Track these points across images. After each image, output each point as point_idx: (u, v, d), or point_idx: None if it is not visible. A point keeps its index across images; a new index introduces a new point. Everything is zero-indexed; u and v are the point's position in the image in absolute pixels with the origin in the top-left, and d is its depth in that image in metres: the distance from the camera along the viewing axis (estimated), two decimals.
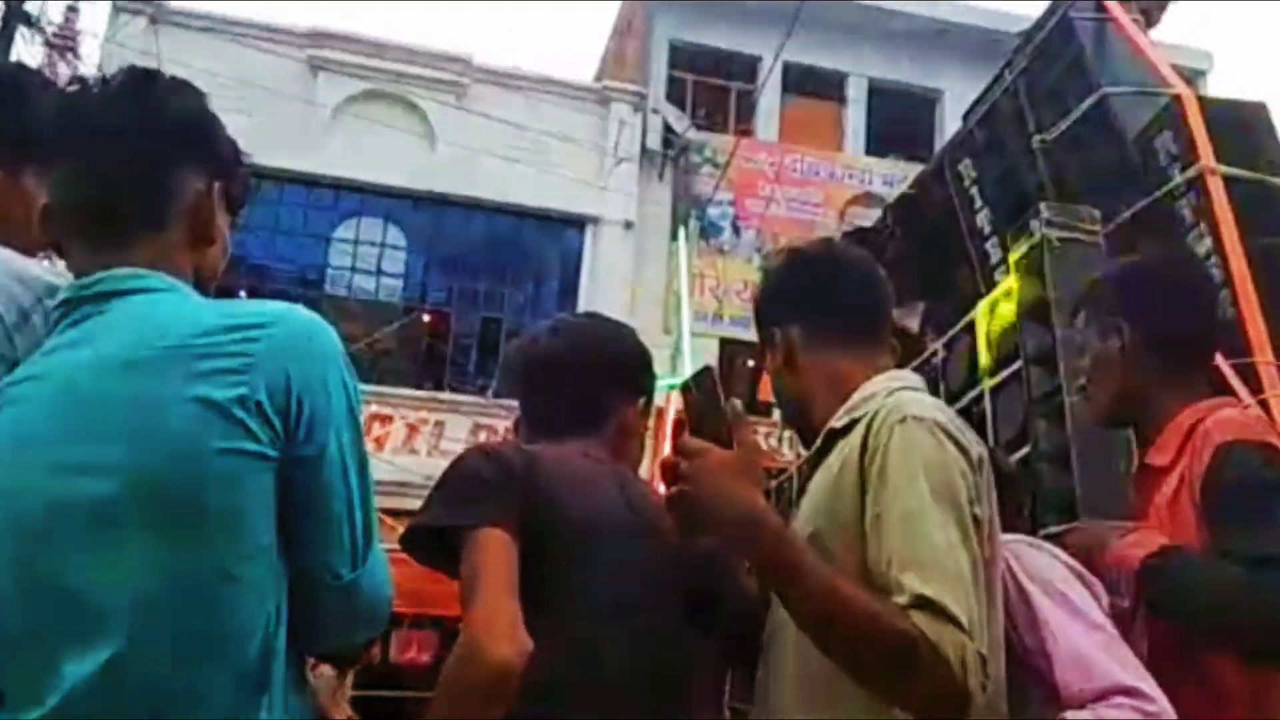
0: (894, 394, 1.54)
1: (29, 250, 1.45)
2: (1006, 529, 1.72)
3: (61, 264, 1.45)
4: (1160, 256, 2.53)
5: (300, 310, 1.26)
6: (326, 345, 1.25)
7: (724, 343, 14.06)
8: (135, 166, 1.28)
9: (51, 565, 1.13)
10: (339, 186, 13.75)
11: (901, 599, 1.34)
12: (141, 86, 1.33)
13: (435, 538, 1.54)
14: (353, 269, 13.92)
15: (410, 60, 14.05)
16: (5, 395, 1.22)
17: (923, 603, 1.32)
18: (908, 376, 1.67)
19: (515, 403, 1.96)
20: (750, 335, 12.36)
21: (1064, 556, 1.85)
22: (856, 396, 1.59)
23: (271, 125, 12.24)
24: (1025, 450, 3.21)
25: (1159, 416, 1.88)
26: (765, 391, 10.75)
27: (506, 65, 14.64)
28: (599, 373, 1.82)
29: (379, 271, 14.00)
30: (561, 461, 1.64)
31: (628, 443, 1.85)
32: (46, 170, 1.40)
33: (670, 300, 13.91)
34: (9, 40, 10.53)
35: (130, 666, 1.11)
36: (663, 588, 1.63)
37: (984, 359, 3.62)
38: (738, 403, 1.54)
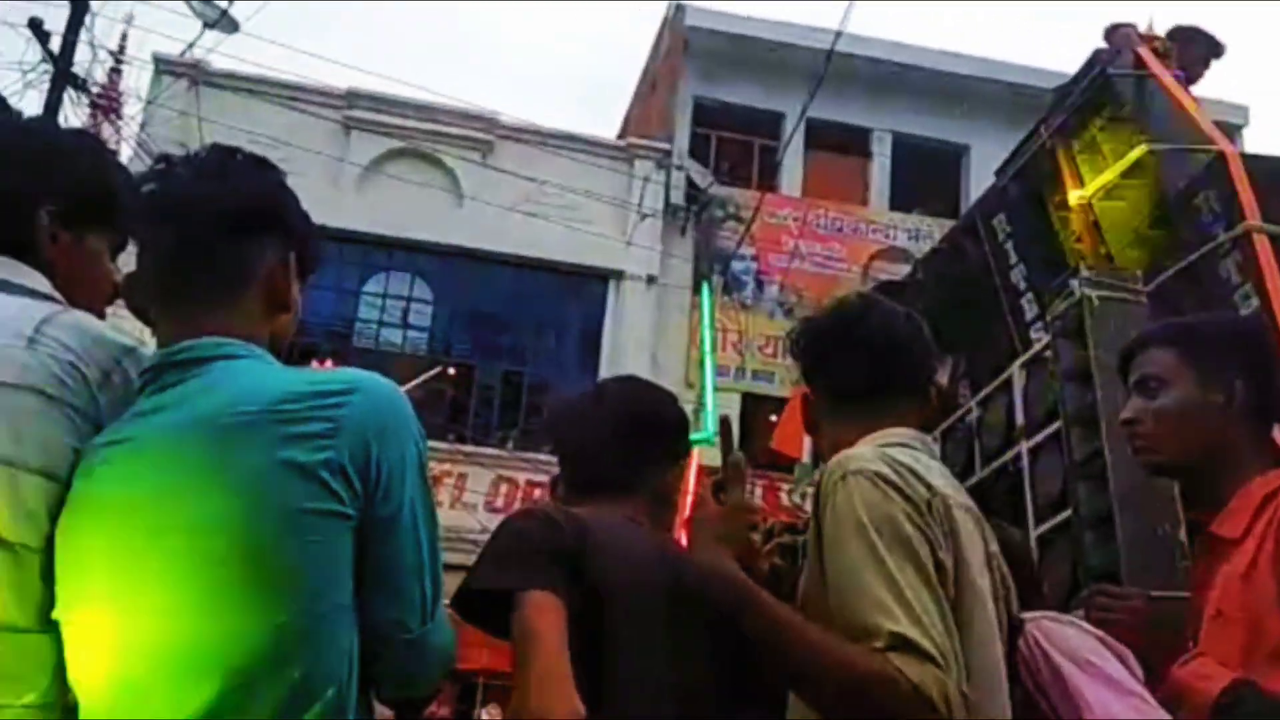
0: (843, 452, 1.59)
1: (96, 310, 1.50)
2: (1025, 607, 1.74)
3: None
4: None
5: (378, 378, 1.33)
6: (403, 412, 1.32)
7: (746, 397, 14.02)
8: (217, 241, 1.36)
9: (147, 621, 1.20)
10: (369, 242, 13.96)
11: (877, 643, 1.37)
12: (223, 165, 1.42)
13: (483, 599, 1.57)
14: (380, 322, 14.14)
15: (439, 119, 14.35)
16: (97, 456, 1.28)
17: (898, 643, 1.36)
18: (894, 433, 1.67)
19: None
20: (772, 390, 12.37)
21: (1090, 628, 1.83)
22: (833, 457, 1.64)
23: (306, 183, 12.35)
24: (1066, 514, 3.14)
25: (1230, 481, 1.81)
26: (782, 443, 10.67)
27: (532, 123, 14.89)
28: (641, 438, 1.86)
29: (405, 325, 14.20)
30: (608, 527, 1.66)
31: (666, 506, 1.90)
32: (119, 237, 1.49)
33: (692, 354, 13.91)
34: (57, 101, 10.81)
35: (223, 714, 1.17)
36: (704, 654, 1.64)
37: (1021, 418, 3.55)
38: (737, 457, 1.67)
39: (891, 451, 1.59)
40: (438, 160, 14.22)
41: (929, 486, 1.54)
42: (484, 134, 14.35)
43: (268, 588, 1.19)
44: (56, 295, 1.44)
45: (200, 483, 1.21)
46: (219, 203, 1.37)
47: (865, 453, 1.57)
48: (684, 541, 1.69)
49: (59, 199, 1.47)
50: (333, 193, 13.36)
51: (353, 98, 14.16)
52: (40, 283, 1.44)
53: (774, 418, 12.37)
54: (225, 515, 1.20)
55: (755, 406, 13.83)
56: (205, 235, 1.36)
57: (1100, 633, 1.80)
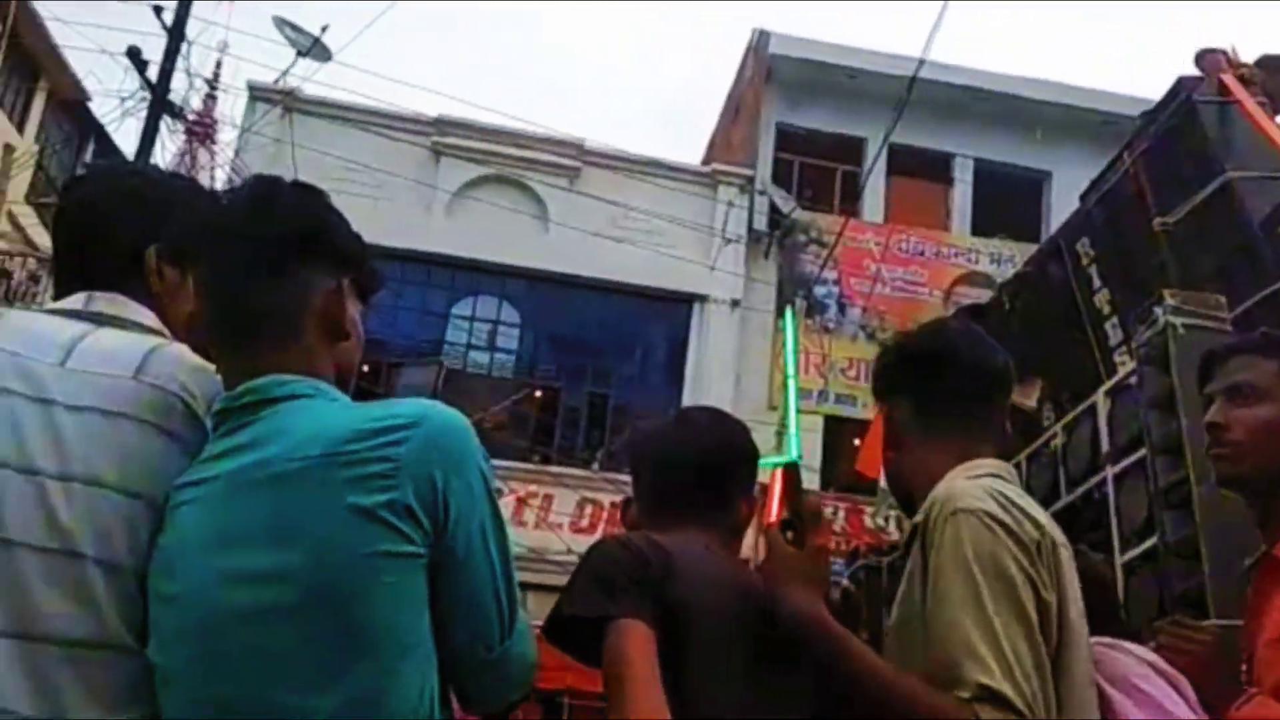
0: (951, 485, 1.58)
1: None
2: (1103, 631, 1.72)
3: None
4: None
5: (437, 408, 1.31)
6: (464, 441, 1.29)
7: (829, 420, 13.98)
8: (264, 276, 1.34)
9: (223, 666, 1.21)
10: (457, 266, 14.20)
11: (964, 692, 1.38)
12: (264, 197, 1.39)
13: (572, 624, 1.60)
14: (468, 345, 14.27)
15: (526, 145, 14.55)
16: (179, 496, 1.30)
17: (985, 694, 1.36)
18: (986, 464, 1.67)
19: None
20: (855, 413, 12.30)
21: (1142, 653, 1.80)
22: (939, 487, 1.62)
23: (396, 208, 12.79)
24: (1152, 541, 3.14)
25: None
26: (866, 465, 10.65)
27: (618, 149, 15.06)
28: (722, 467, 1.88)
29: (492, 347, 14.34)
30: (690, 557, 1.68)
31: (739, 535, 1.91)
32: None
33: (775, 377, 13.90)
34: (154, 128, 11.25)
35: None
36: (778, 683, 1.65)
37: (1106, 445, 3.55)
38: (814, 501, 1.68)
39: (999, 486, 1.58)
40: (525, 186, 14.43)
41: (1038, 526, 1.53)
42: (571, 160, 14.54)
43: (341, 634, 1.19)
44: (163, 329, 1.49)
45: (267, 532, 1.22)
46: (263, 234, 1.34)
47: (973, 488, 1.56)
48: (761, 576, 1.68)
49: (164, 238, 1.51)
50: (422, 217, 13.67)
51: (441, 124, 14.43)
52: (147, 317, 1.49)
53: (856, 441, 12.32)
54: (294, 564, 1.19)
55: (838, 429, 13.78)
56: (252, 268, 1.33)
57: (1153, 657, 1.77)
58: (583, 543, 11.09)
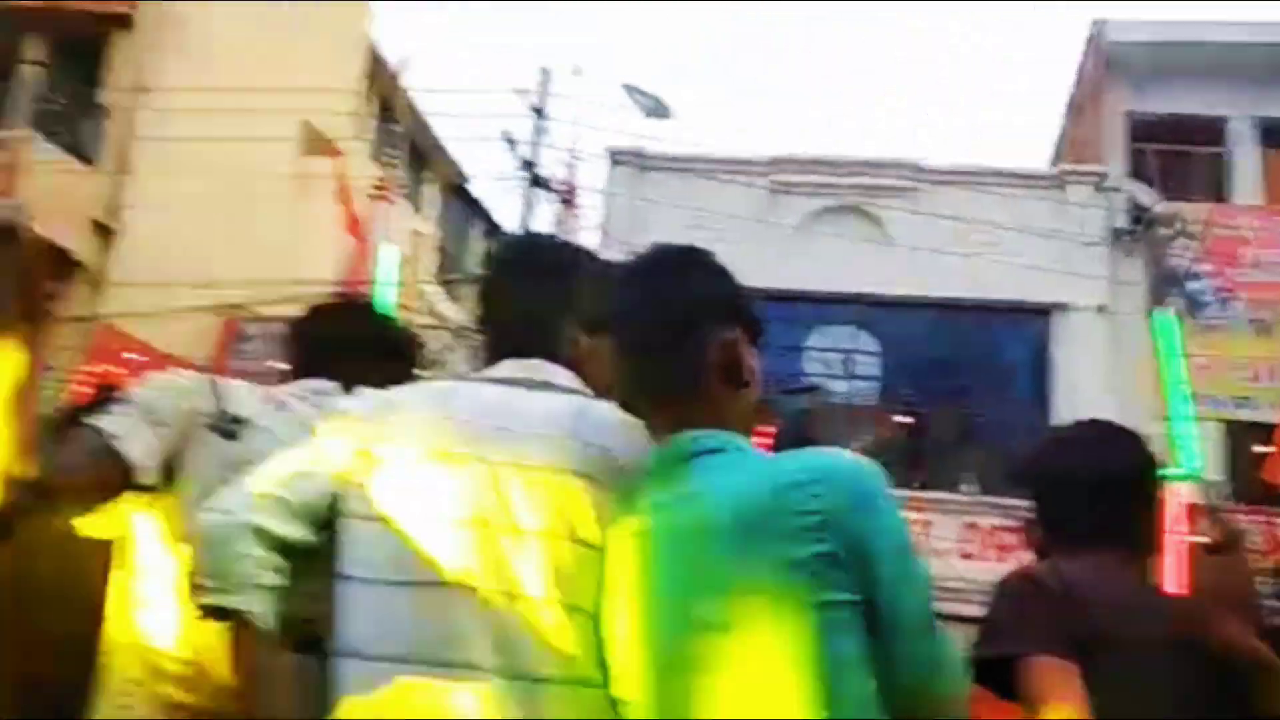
0: None
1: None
2: None
3: None
4: None
5: (843, 456, 1.39)
6: (874, 484, 1.36)
7: (1226, 426, 12.89)
8: (674, 340, 1.46)
9: (673, 707, 1.31)
10: (806, 299, 14.39)
11: None
12: (664, 266, 1.54)
13: (992, 664, 1.65)
14: (827, 375, 14.40)
15: (861, 172, 14.61)
16: (622, 544, 1.41)
17: None
18: None
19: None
20: (1257, 416, 11.28)
21: None
22: None
23: (740, 248, 13.21)
24: None
25: None
26: (1275, 473, 9.80)
27: (955, 163, 14.78)
28: (1118, 483, 1.84)
29: (851, 375, 14.44)
30: (1097, 584, 1.68)
31: (1148, 553, 1.86)
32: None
33: (1155, 385, 13.01)
34: (531, 202, 12.48)
35: None
36: (1206, 704, 1.62)
37: None
38: (1235, 522, 1.57)
39: None
40: (865, 212, 14.49)
41: None
42: (909, 181, 14.45)
43: (801, 683, 1.24)
44: (584, 389, 1.61)
45: (709, 585, 1.30)
46: (670, 301, 1.48)
47: None
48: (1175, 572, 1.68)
49: (577, 311, 1.64)
50: (766, 254, 14.00)
51: (778, 163, 14.81)
52: (571, 379, 1.62)
53: (1259, 447, 11.32)
54: (738, 615, 1.27)
55: (1239, 436, 12.69)
56: (663, 334, 1.46)
57: None
58: (968, 569, 10.89)
